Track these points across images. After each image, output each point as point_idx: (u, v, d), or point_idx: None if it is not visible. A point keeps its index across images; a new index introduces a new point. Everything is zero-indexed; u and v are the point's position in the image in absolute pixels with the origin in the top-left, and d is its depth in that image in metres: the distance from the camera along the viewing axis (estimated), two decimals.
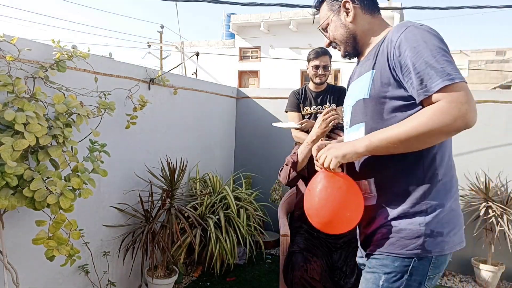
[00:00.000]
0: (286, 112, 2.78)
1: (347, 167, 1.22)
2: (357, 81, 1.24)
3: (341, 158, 1.09)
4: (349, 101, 1.27)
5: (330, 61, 2.63)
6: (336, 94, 2.72)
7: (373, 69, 1.14)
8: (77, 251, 1.49)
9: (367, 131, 1.11)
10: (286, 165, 1.97)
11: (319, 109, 2.67)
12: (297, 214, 2.21)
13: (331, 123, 1.75)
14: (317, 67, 2.58)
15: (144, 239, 2.20)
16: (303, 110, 2.70)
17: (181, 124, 2.83)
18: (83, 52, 1.70)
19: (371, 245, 1.12)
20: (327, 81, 2.76)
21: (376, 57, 1.14)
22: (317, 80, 2.62)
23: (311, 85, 2.72)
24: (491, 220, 2.73)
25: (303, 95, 2.73)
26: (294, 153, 2.02)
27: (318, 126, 1.78)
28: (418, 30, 1.02)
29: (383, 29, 1.20)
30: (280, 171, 2.04)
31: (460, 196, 2.95)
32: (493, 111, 2.92)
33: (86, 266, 1.98)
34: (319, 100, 2.67)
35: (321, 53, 2.58)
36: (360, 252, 1.24)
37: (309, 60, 2.63)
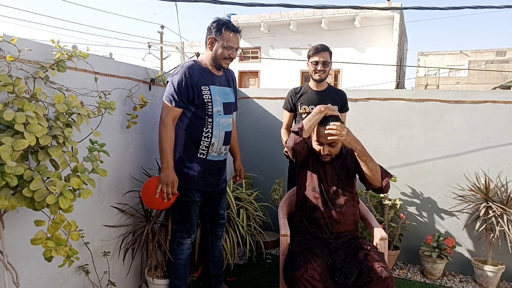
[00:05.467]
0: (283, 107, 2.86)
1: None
2: (223, 88, 2.18)
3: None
4: (219, 98, 2.13)
5: (330, 58, 2.62)
6: (337, 96, 2.71)
7: (230, 87, 2.25)
8: (76, 252, 1.49)
9: (232, 119, 2.25)
10: (292, 131, 2.08)
11: None
12: (297, 214, 2.21)
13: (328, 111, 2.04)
14: (316, 63, 2.57)
15: (144, 239, 2.20)
16: (300, 109, 2.69)
17: None
18: (82, 52, 1.70)
19: None
20: (328, 82, 2.76)
21: (231, 81, 2.27)
22: (316, 76, 2.60)
23: (311, 83, 2.71)
24: (491, 220, 2.73)
25: (300, 93, 2.72)
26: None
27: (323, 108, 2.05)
28: None
29: None
30: (286, 142, 2.15)
31: (460, 196, 2.95)
32: (493, 111, 2.92)
33: (86, 266, 1.99)
34: (318, 100, 2.66)
35: (321, 49, 2.57)
36: None
37: (309, 57, 2.63)
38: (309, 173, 2.14)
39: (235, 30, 2.09)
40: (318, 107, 2.07)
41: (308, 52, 2.64)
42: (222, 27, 2.05)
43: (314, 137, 2.08)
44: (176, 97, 2.01)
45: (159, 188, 1.99)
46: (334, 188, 2.09)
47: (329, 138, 1.97)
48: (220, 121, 2.13)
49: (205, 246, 2.45)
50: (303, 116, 2.67)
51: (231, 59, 2.12)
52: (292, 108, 2.74)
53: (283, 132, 2.83)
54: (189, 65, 2.09)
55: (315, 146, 2.09)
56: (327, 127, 1.98)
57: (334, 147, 2.05)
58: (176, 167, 2.06)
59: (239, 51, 2.15)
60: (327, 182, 2.10)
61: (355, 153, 1.99)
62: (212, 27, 2.07)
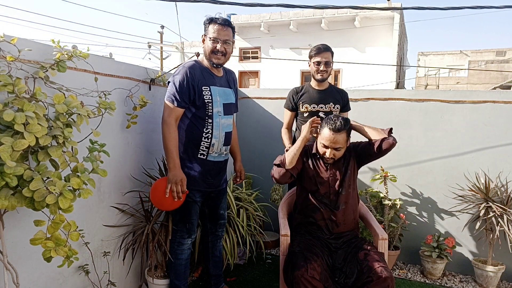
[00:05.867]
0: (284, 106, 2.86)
1: None
2: (223, 89, 2.18)
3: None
4: (220, 99, 2.13)
5: (332, 58, 2.62)
6: (339, 95, 2.71)
7: (230, 88, 2.25)
8: (75, 252, 1.49)
9: (232, 119, 2.25)
10: (274, 164, 2.17)
11: (320, 107, 2.65)
12: (297, 215, 2.21)
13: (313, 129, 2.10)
14: (318, 63, 2.58)
15: (144, 239, 2.20)
16: (302, 108, 2.69)
17: None
18: (83, 52, 1.70)
19: None
20: (329, 82, 2.76)
21: (231, 83, 2.28)
22: (318, 76, 2.61)
23: (313, 83, 2.71)
24: (491, 220, 2.73)
25: (302, 92, 2.72)
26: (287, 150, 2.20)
27: (305, 131, 2.12)
28: None
29: None
30: (272, 169, 2.19)
31: (460, 196, 2.95)
32: (493, 111, 2.92)
33: (86, 266, 1.99)
34: (320, 98, 2.66)
35: (323, 49, 2.58)
36: None
37: (310, 57, 2.63)
38: (309, 174, 2.14)
39: (220, 22, 2.07)
40: (300, 138, 2.11)
41: (310, 52, 2.64)
42: (208, 22, 2.08)
43: (319, 140, 2.07)
44: (178, 97, 2.02)
45: (169, 188, 2.00)
46: (335, 189, 2.09)
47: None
48: (220, 121, 2.13)
49: (205, 246, 2.45)
50: (305, 115, 2.67)
51: (221, 53, 2.08)
52: (293, 107, 2.74)
53: (284, 131, 2.83)
54: (190, 65, 2.09)
55: (320, 148, 2.08)
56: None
57: (339, 151, 2.04)
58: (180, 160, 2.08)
59: (234, 49, 2.18)
60: (328, 184, 2.10)
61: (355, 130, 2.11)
62: (204, 26, 2.12)
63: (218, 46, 2.07)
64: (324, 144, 2.03)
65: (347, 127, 2.03)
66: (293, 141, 2.83)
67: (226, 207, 2.48)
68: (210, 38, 2.06)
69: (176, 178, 2.00)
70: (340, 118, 2.04)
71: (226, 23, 2.08)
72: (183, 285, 2.27)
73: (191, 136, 2.10)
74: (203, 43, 2.13)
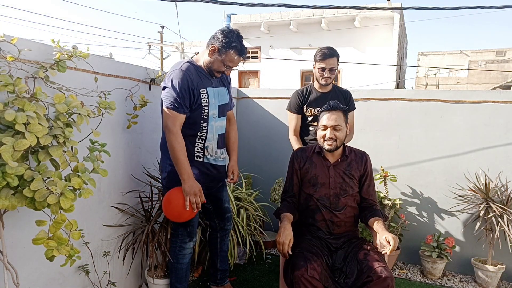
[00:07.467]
0: (287, 110, 2.76)
1: None
2: (218, 89, 2.14)
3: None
4: (215, 100, 2.09)
5: (338, 62, 2.57)
6: (342, 97, 2.68)
7: (224, 86, 2.20)
8: (77, 251, 1.49)
9: (225, 121, 2.23)
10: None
11: None
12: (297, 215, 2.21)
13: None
14: (323, 69, 2.52)
15: (144, 239, 2.20)
16: (306, 111, 2.66)
17: None
18: (83, 52, 1.70)
19: None
20: (332, 82, 2.74)
21: (224, 81, 2.22)
22: (322, 81, 2.57)
23: (316, 85, 2.67)
24: (491, 220, 2.74)
25: (307, 96, 2.67)
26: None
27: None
28: None
29: None
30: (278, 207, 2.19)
31: (460, 196, 2.95)
32: (493, 111, 2.92)
33: (86, 266, 1.99)
34: (324, 101, 2.62)
35: (328, 55, 2.51)
36: None
37: (315, 60, 2.58)
38: (310, 175, 2.13)
39: (241, 54, 2.01)
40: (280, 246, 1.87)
41: (315, 55, 2.57)
42: (230, 46, 1.96)
43: (319, 127, 2.10)
44: (181, 103, 1.92)
45: (188, 200, 1.93)
46: (336, 190, 2.09)
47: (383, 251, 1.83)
48: (214, 124, 2.10)
49: (213, 242, 2.43)
50: (309, 119, 2.64)
51: (225, 74, 2.10)
52: (301, 109, 2.67)
53: (293, 138, 2.70)
54: (187, 68, 1.99)
55: (321, 133, 2.07)
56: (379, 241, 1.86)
57: (338, 131, 2.03)
58: (174, 171, 2.00)
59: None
60: (329, 185, 2.09)
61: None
62: (220, 38, 1.97)
63: (228, 72, 2.09)
64: (323, 126, 2.05)
65: (340, 107, 2.06)
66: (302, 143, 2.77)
67: (229, 200, 2.46)
68: (225, 63, 2.00)
69: (194, 189, 1.93)
70: (333, 100, 2.11)
71: (246, 57, 2.06)
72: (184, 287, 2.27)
73: (185, 140, 2.02)
74: (211, 53, 1.99)
